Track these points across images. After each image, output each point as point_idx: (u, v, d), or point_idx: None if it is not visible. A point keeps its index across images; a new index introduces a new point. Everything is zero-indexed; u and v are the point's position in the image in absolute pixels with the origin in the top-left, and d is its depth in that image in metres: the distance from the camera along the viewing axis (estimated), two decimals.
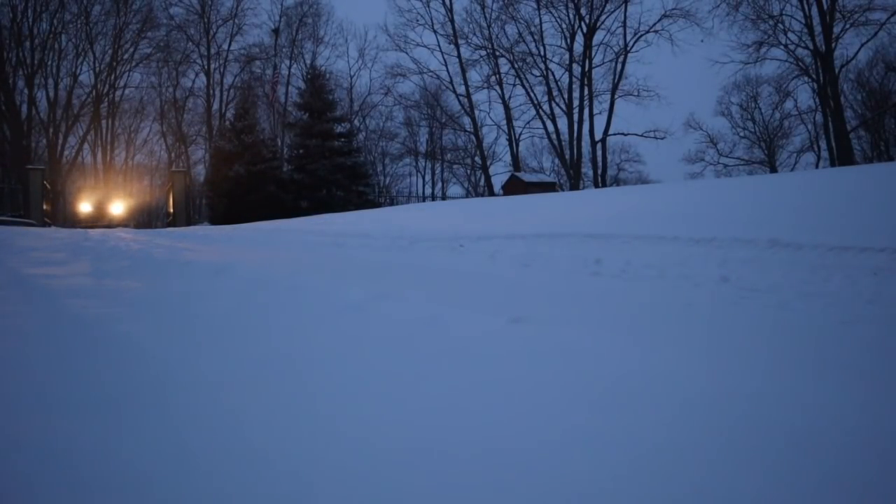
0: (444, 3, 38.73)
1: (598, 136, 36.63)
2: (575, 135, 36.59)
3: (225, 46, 40.40)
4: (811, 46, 32.17)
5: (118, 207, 28.10)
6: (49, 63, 35.95)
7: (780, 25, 33.07)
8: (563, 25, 37.67)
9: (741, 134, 41.99)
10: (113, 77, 37.77)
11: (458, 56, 38.40)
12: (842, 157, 30.25)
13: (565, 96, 37.46)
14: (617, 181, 41.41)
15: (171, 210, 28.91)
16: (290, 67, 40.85)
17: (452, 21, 38.57)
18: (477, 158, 41.54)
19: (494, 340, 2.47)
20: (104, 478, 1.35)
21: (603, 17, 37.01)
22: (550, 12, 37.90)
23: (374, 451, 1.49)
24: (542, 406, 1.78)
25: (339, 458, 1.45)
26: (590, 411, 1.74)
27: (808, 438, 1.56)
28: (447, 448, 1.51)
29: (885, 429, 1.64)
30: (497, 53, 38.38)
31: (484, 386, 1.95)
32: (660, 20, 36.37)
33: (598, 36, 37.40)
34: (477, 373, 2.07)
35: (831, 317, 3.18)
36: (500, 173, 39.99)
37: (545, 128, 38.13)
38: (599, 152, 37.10)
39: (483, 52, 38.59)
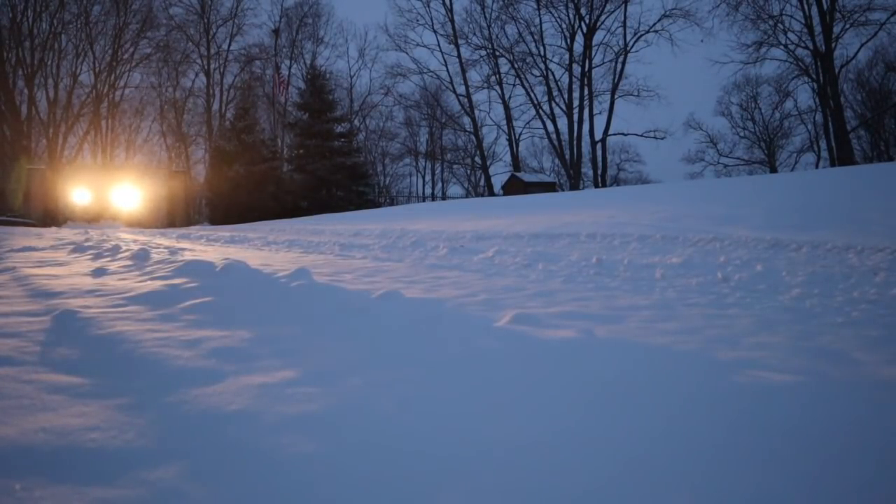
0: (444, 3, 38.83)
1: (598, 136, 36.70)
2: (575, 135, 36.64)
3: (225, 46, 40.46)
4: (811, 46, 32.22)
5: (118, 206, 28.10)
6: (49, 63, 35.99)
7: (780, 25, 33.13)
8: (563, 25, 37.76)
9: (741, 134, 42.06)
10: (113, 77, 37.80)
11: (458, 56, 38.49)
12: (842, 157, 30.28)
13: (565, 96, 37.53)
14: (617, 181, 41.46)
15: (171, 210, 28.91)
16: (290, 67, 40.88)
17: (452, 21, 38.64)
18: (477, 158, 41.61)
19: (495, 340, 2.46)
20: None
21: (603, 17, 37.10)
22: (550, 12, 38.05)
23: (369, 446, 1.49)
24: (541, 404, 1.78)
25: (337, 451, 1.45)
26: (589, 409, 1.74)
27: (809, 439, 1.56)
28: (443, 444, 1.51)
29: (886, 430, 1.64)
30: (497, 53, 38.45)
31: (483, 385, 1.95)
32: (660, 20, 36.50)
33: (598, 36, 37.59)
34: (477, 372, 2.07)
35: (832, 317, 3.17)
36: (500, 173, 40.07)
37: (545, 128, 38.20)
38: (599, 152, 37.17)
39: (483, 52, 38.68)
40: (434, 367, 2.13)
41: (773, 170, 39.66)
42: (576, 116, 36.75)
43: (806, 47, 32.65)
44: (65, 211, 30.81)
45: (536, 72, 38.21)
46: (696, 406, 1.78)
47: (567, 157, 37.38)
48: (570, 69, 37.42)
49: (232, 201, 28.09)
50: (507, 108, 39.26)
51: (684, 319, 3.15)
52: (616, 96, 36.94)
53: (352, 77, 42.99)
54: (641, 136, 37.47)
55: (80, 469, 1.39)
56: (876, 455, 1.48)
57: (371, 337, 2.56)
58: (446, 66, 39.16)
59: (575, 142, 36.70)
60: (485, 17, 38.38)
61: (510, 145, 39.91)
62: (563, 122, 37.47)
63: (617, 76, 37.12)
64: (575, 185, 35.91)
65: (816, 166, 37.94)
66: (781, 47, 33.43)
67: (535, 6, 37.66)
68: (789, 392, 1.91)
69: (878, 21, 30.97)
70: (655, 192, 18.46)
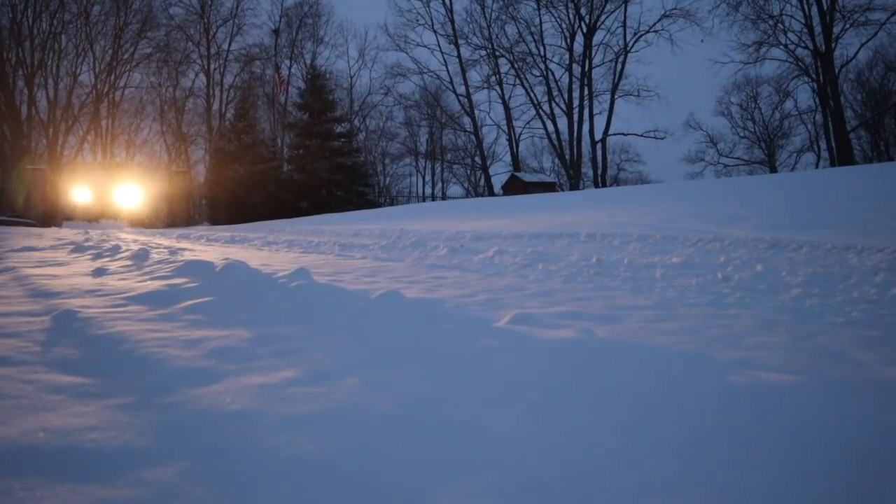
0: (444, 3, 38.86)
1: (598, 136, 36.73)
2: (575, 135, 36.66)
3: (225, 46, 40.48)
4: (811, 46, 32.23)
5: (118, 206, 28.11)
6: (49, 63, 36.00)
7: (780, 25, 33.16)
8: (563, 25, 37.79)
9: (741, 134, 42.09)
10: (113, 77, 37.82)
11: (458, 56, 38.50)
12: (842, 157, 30.30)
13: (565, 96, 37.54)
14: (617, 181, 41.47)
15: (171, 210, 28.94)
16: (290, 67, 40.89)
17: (452, 21, 38.66)
18: (477, 158, 41.62)
19: (495, 340, 2.46)
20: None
21: (603, 17, 37.14)
22: (550, 12, 38.10)
23: (369, 446, 1.49)
24: (541, 404, 1.78)
25: (336, 447, 1.45)
26: (589, 409, 1.74)
27: (808, 439, 1.56)
28: (443, 443, 1.51)
29: (886, 430, 1.64)
30: (497, 53, 38.46)
31: (483, 385, 1.95)
32: (660, 20, 36.55)
33: (598, 36, 37.62)
34: (477, 371, 2.07)
35: (832, 317, 3.18)
36: (500, 173, 40.09)
37: (545, 128, 38.22)
38: (599, 152, 37.19)
39: (483, 52, 38.69)
40: (434, 367, 2.13)
41: (773, 170, 39.66)
42: (576, 116, 36.79)
43: (806, 47, 32.68)
44: (65, 211, 30.80)
45: (536, 72, 38.26)
46: (695, 405, 1.78)
47: (567, 157, 37.40)
48: (570, 69, 37.46)
49: (232, 201, 28.15)
50: (507, 108, 39.29)
51: (684, 319, 3.15)
52: (616, 96, 37.00)
53: (352, 77, 43.02)
54: (641, 136, 37.51)
55: (80, 469, 1.39)
56: (875, 455, 1.48)
57: (371, 337, 2.56)
58: (446, 66, 39.20)
59: (575, 142, 36.74)
60: (485, 17, 38.42)
61: (510, 145, 39.94)
62: (563, 122, 37.51)
63: (617, 76, 37.18)
64: (575, 185, 35.93)
65: (816, 166, 37.94)
66: (781, 47, 33.47)
67: (535, 6, 37.73)
68: (789, 392, 1.91)
69: (878, 21, 31.00)
70: (655, 191, 18.46)
